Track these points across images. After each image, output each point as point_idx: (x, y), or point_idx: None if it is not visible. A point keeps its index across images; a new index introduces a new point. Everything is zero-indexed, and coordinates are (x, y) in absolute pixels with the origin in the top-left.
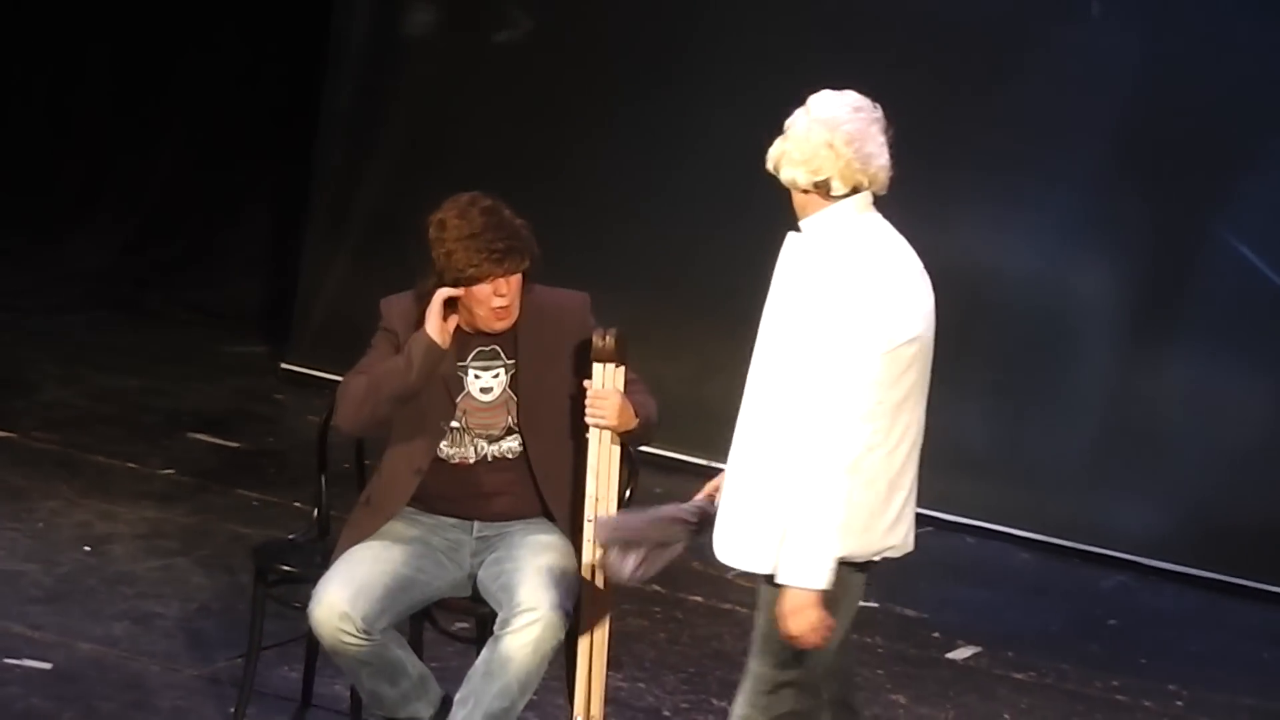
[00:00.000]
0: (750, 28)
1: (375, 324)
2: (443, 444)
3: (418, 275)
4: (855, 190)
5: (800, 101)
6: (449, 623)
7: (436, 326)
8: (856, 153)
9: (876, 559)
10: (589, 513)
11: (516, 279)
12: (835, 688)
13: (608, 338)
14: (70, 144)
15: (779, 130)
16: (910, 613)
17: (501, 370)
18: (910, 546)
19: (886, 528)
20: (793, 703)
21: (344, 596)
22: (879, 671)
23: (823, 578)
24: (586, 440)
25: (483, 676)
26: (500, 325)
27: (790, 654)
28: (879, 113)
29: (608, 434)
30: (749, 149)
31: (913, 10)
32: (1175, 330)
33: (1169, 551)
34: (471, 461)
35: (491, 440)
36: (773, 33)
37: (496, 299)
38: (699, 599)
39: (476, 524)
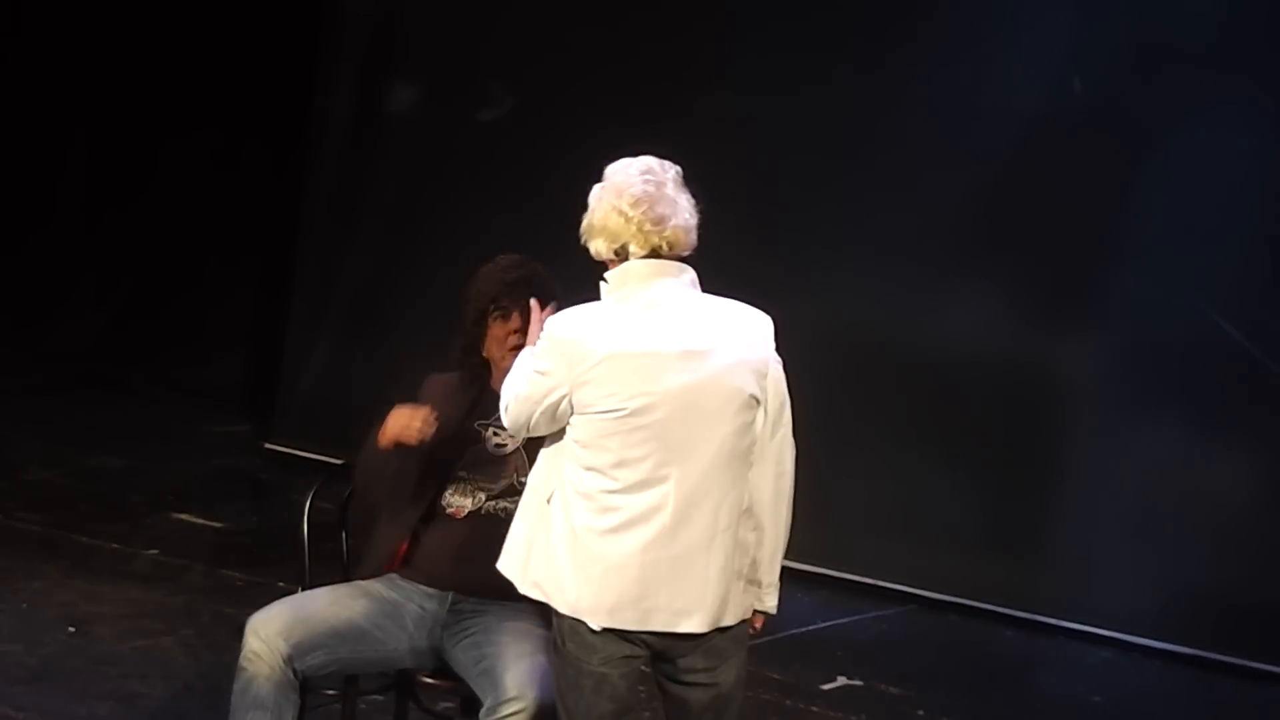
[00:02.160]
0: (731, 105)
1: (367, 404)
2: (447, 492)
3: (454, 350)
4: (654, 253)
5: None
6: (433, 702)
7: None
8: (647, 215)
9: (617, 627)
10: None
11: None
12: None
13: None
14: (52, 223)
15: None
16: (894, 690)
17: None
18: (633, 625)
19: (575, 593)
20: None
21: (284, 619)
22: None
23: None
24: None
25: None
26: None
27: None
28: (672, 173)
29: None
30: (730, 223)
31: (881, 84)
32: (1160, 406)
33: (1154, 628)
34: (465, 513)
35: (490, 495)
36: (752, 112)
37: (511, 337)
38: None
39: (451, 595)
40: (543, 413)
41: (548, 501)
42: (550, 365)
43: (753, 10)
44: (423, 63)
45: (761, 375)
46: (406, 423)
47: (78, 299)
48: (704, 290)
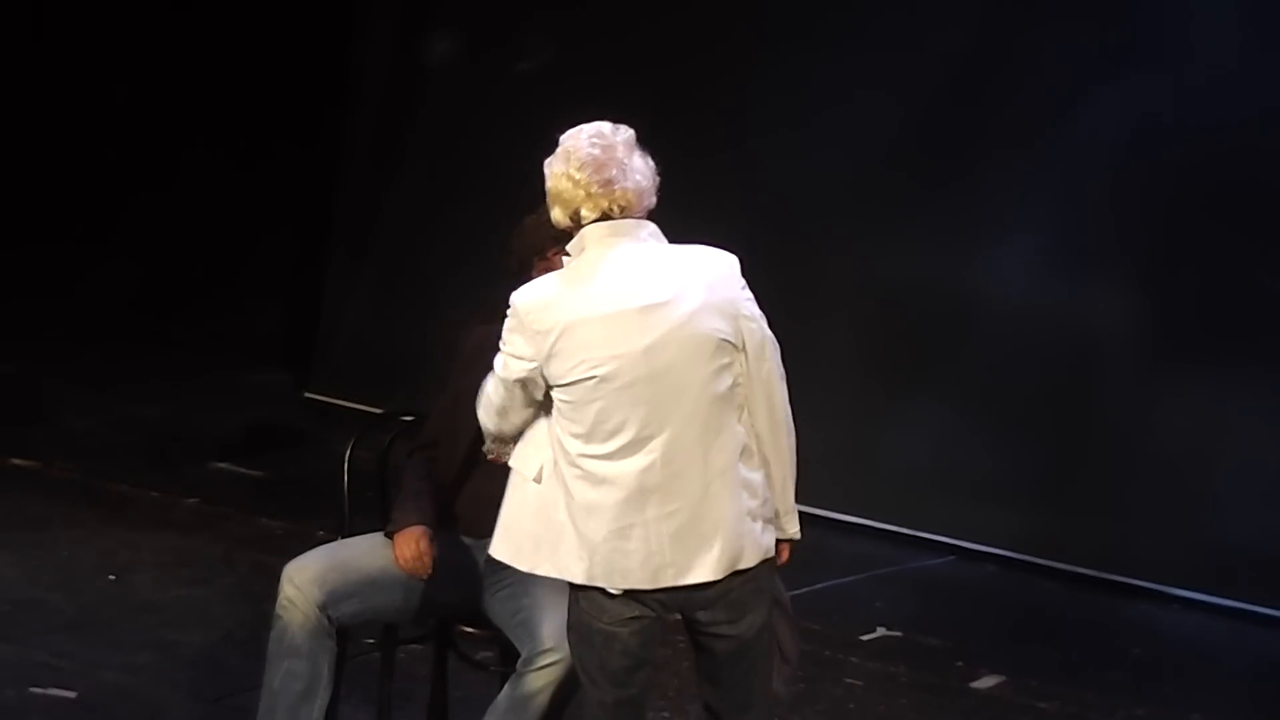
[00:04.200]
0: (779, 53)
1: (405, 353)
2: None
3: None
4: (605, 217)
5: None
6: (473, 651)
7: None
8: (594, 178)
9: (618, 590)
10: None
11: None
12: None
13: None
14: (92, 173)
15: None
16: (933, 641)
17: None
18: (645, 584)
19: (586, 563)
20: None
21: (319, 566)
22: (902, 701)
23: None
24: None
25: (504, 713)
26: None
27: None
28: (624, 135)
29: None
30: (774, 177)
31: (934, 35)
32: (1197, 360)
33: (1192, 580)
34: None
35: None
36: (801, 57)
37: None
38: None
39: (489, 542)
40: (517, 393)
41: (536, 480)
42: (518, 342)
43: None
44: (461, 11)
45: (730, 315)
46: (413, 556)
47: (117, 249)
48: (720, 243)
